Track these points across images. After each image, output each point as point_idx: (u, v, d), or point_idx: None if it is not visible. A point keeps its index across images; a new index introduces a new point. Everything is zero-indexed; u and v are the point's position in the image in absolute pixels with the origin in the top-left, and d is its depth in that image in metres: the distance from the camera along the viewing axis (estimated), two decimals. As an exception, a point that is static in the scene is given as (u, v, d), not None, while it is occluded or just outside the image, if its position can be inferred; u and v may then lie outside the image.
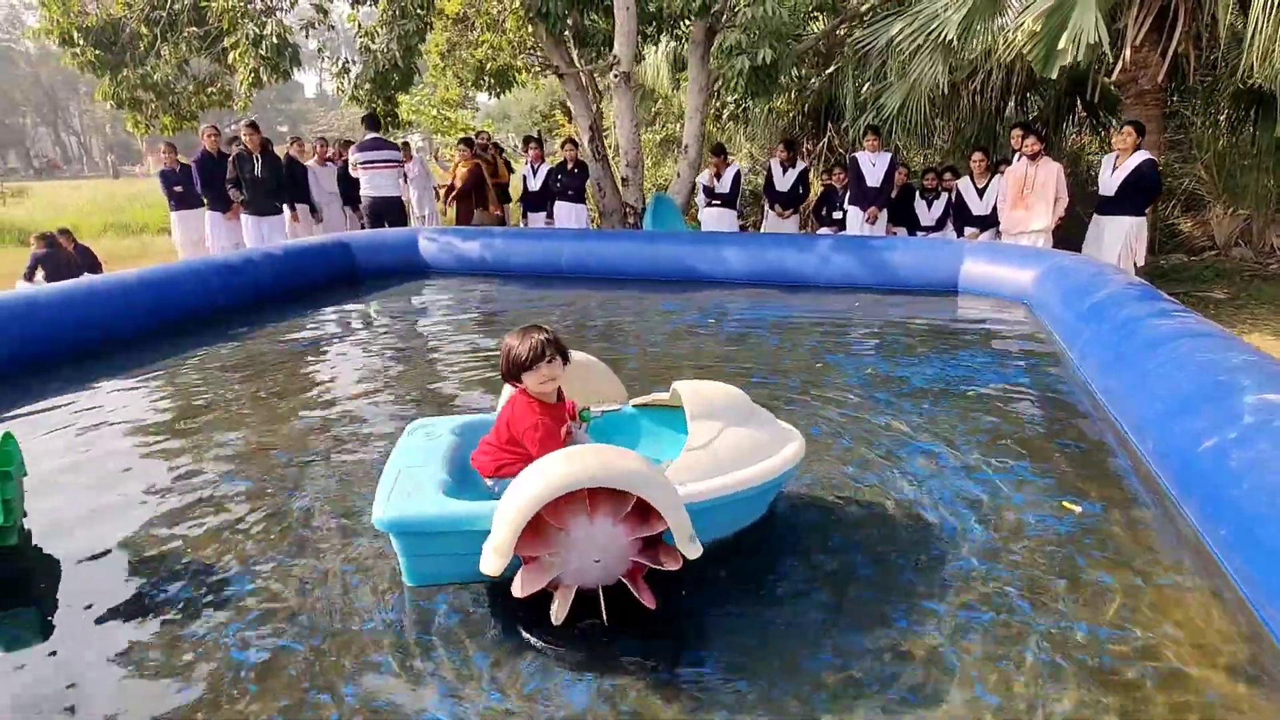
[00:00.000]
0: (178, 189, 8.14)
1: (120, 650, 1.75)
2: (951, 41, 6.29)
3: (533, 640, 1.76)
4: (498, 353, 2.14)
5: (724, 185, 7.96)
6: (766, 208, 8.17)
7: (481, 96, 15.19)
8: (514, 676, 1.65)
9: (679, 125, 13.37)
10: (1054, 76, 5.74)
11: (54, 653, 1.76)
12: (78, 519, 2.38)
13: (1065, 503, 2.40)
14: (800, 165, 8.04)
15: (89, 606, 1.92)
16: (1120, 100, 7.29)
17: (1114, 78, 6.75)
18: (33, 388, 3.67)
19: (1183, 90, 8.24)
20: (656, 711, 1.54)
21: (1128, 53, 5.99)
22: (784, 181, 7.94)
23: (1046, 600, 1.90)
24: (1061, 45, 5.37)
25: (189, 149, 8.02)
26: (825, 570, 2.05)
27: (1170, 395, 2.57)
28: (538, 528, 1.68)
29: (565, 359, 2.03)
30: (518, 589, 1.69)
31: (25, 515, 2.27)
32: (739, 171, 8.14)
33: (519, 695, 1.59)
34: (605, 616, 1.75)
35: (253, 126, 7.60)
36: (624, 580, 1.78)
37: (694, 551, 1.72)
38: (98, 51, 8.62)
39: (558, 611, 1.71)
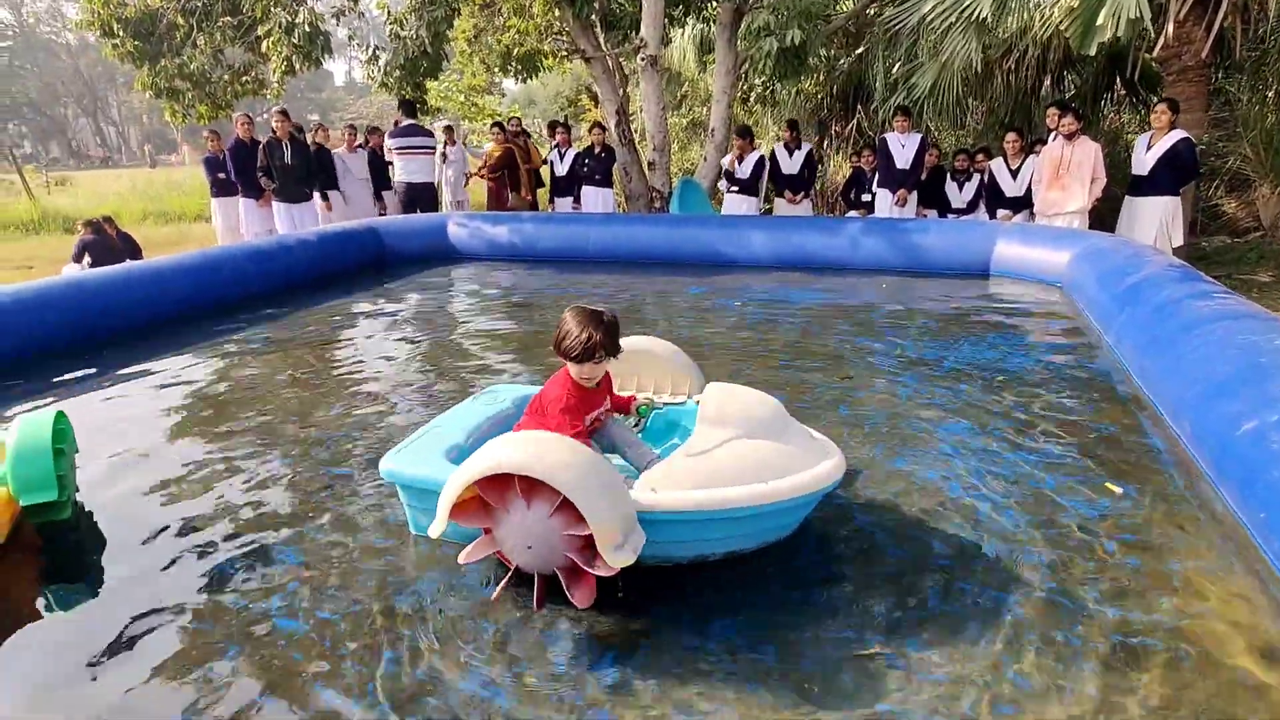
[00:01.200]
0: (220, 176, 8.30)
1: (170, 619, 1.82)
2: (986, 19, 6.15)
3: (558, 623, 1.79)
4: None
5: (744, 171, 7.75)
6: (776, 194, 8.01)
7: (508, 82, 15.21)
8: (535, 654, 1.68)
9: (706, 109, 13.26)
10: (1092, 54, 5.58)
11: (107, 623, 1.83)
12: (124, 494, 2.46)
13: (1107, 484, 2.37)
14: (806, 147, 7.82)
15: (138, 578, 2.00)
16: (1162, 77, 7.08)
17: (1155, 54, 6.54)
18: (79, 368, 3.80)
19: (1228, 66, 7.96)
20: (673, 691, 1.57)
21: (1170, 27, 5.80)
22: (791, 164, 7.75)
23: (1079, 583, 1.89)
24: (1100, 21, 5.22)
25: (230, 137, 8.14)
26: (851, 549, 2.06)
27: (1208, 378, 2.52)
28: (482, 503, 1.74)
29: (614, 355, 2.03)
30: (462, 555, 1.78)
31: (77, 490, 2.37)
32: (762, 158, 7.90)
33: (546, 674, 1.63)
34: (535, 604, 1.76)
35: (283, 114, 7.70)
36: (558, 573, 1.74)
37: (619, 560, 1.62)
38: (136, 42, 8.79)
39: (494, 589, 1.80)
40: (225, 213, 8.49)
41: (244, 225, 8.10)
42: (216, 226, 8.69)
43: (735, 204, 7.88)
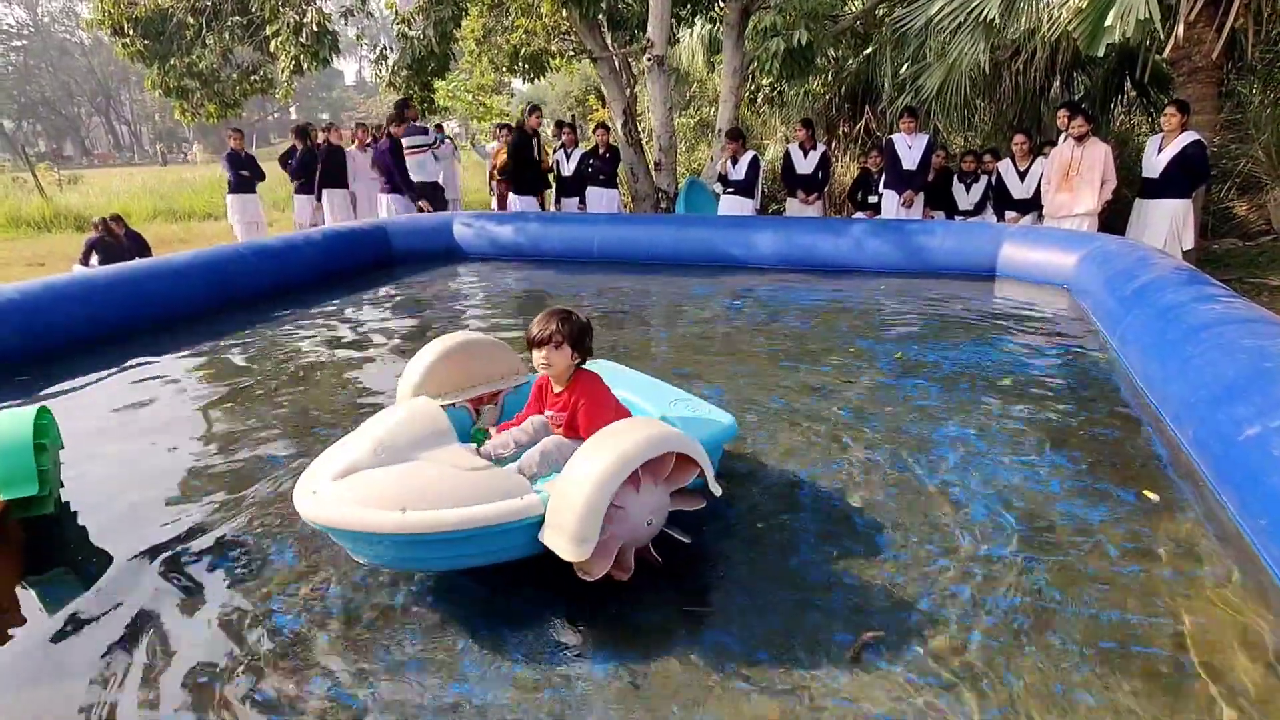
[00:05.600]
0: (243, 173, 8.39)
1: (152, 617, 1.83)
2: (994, 20, 6.11)
3: (558, 615, 1.80)
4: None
5: (739, 173, 7.60)
6: (789, 195, 7.97)
7: (516, 82, 15.23)
8: (536, 648, 1.69)
9: (714, 109, 13.26)
10: (1101, 55, 5.54)
11: (88, 617, 1.84)
12: (115, 490, 2.48)
13: (1144, 491, 2.35)
14: (820, 148, 7.79)
15: (124, 574, 2.00)
16: (1173, 78, 7.02)
17: (1166, 54, 6.49)
18: (84, 364, 3.82)
19: (1240, 67, 7.89)
20: (671, 677, 1.57)
21: (1180, 28, 5.75)
22: (805, 165, 7.69)
23: (1079, 588, 1.87)
24: (1109, 22, 5.18)
25: (249, 134, 8.29)
26: (852, 554, 2.05)
27: (1212, 382, 2.50)
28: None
29: (571, 349, 2.06)
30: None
31: (62, 485, 2.39)
32: (756, 158, 7.76)
33: (543, 666, 1.63)
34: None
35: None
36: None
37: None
38: (146, 41, 8.86)
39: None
40: (243, 208, 8.58)
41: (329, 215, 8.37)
42: (233, 222, 8.77)
43: (731, 205, 7.70)
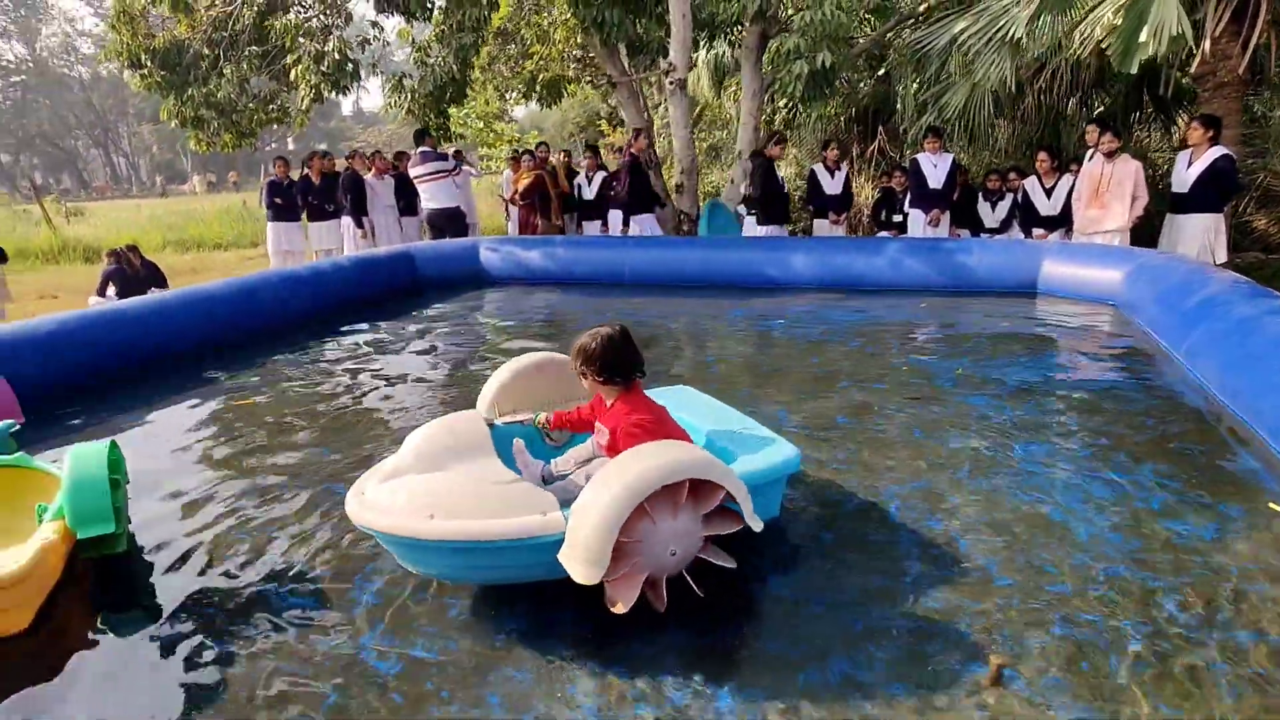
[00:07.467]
0: (277, 200, 8.35)
1: (229, 654, 1.76)
2: (1020, 39, 6.15)
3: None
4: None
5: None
6: (815, 216, 7.96)
7: (518, 110, 15.35)
8: (655, 685, 1.60)
9: (725, 132, 13.35)
10: (1133, 71, 5.56)
11: (163, 657, 1.77)
12: (174, 525, 2.40)
13: (1270, 503, 2.30)
14: (843, 168, 7.82)
15: (194, 612, 1.94)
16: (1195, 94, 7.06)
17: (1193, 70, 6.53)
18: (122, 396, 3.75)
19: (1258, 83, 7.95)
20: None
21: (1207, 44, 5.79)
22: (833, 185, 7.72)
23: (1214, 608, 1.81)
24: (1143, 38, 5.20)
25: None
26: (956, 576, 1.97)
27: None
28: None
29: (595, 376, 2.02)
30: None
31: (130, 522, 2.29)
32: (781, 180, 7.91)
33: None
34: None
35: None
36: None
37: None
38: (163, 73, 8.87)
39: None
40: (277, 236, 8.57)
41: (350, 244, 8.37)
42: (270, 249, 8.74)
43: (754, 225, 7.76)
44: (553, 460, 2.18)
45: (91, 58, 45.91)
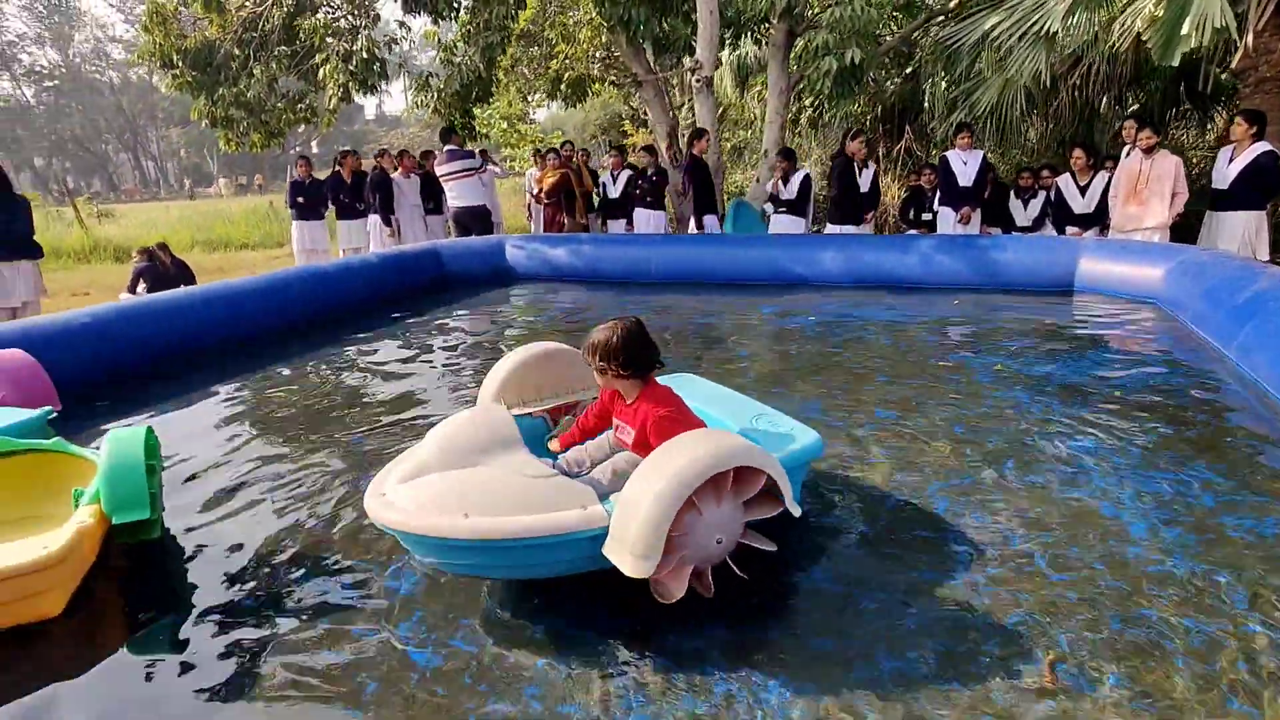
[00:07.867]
0: (300, 199, 8.41)
1: (264, 644, 1.73)
2: (1056, 34, 6.02)
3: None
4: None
5: (790, 192, 7.48)
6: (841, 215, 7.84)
7: (539, 112, 15.38)
8: (700, 681, 1.54)
9: (749, 132, 13.28)
10: (1175, 64, 5.43)
11: (197, 646, 1.75)
12: (207, 514, 2.38)
13: None
14: (871, 166, 7.67)
15: (229, 600, 1.91)
16: (1233, 91, 6.89)
17: (1234, 65, 6.37)
18: (153, 388, 3.77)
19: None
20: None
21: (1250, 37, 5.63)
22: (862, 182, 7.60)
23: (1257, 603, 1.74)
24: (1185, 30, 5.07)
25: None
26: (1011, 572, 1.89)
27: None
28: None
29: (608, 369, 1.98)
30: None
31: (164, 509, 2.28)
32: (808, 176, 7.65)
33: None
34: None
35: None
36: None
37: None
38: (194, 73, 8.97)
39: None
40: (305, 236, 8.61)
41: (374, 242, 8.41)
42: (295, 247, 8.80)
43: (783, 224, 7.62)
44: (560, 458, 2.14)
45: (122, 63, 46.83)
